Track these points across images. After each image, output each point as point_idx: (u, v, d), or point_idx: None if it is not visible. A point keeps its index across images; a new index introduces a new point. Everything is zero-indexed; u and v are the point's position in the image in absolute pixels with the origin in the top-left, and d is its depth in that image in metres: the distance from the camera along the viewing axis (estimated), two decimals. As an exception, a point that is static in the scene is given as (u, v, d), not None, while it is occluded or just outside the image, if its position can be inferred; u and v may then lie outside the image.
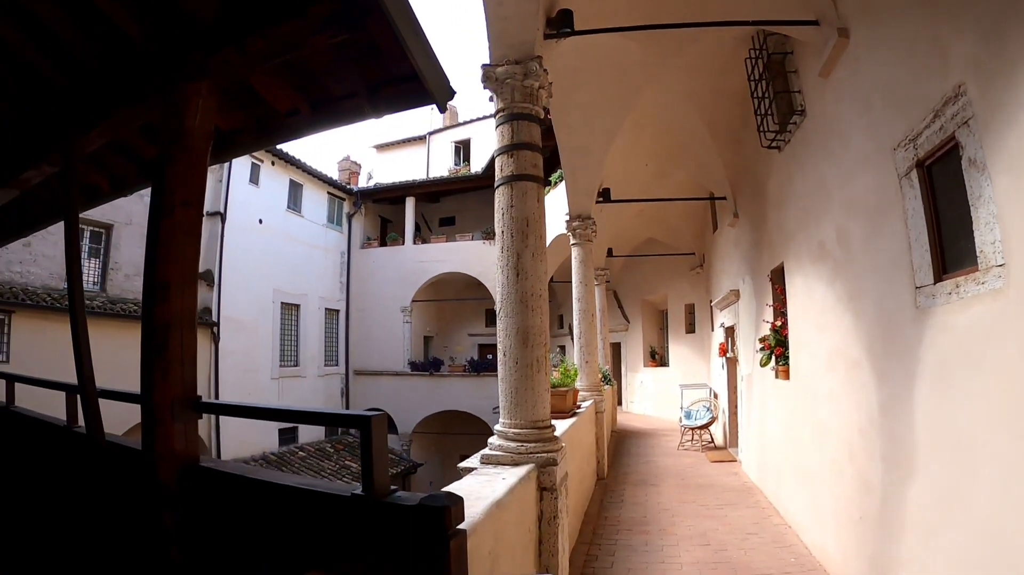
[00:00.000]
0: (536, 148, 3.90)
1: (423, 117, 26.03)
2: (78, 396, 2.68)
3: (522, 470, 3.27)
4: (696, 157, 8.29)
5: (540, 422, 3.65)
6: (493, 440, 3.68)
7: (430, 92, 1.92)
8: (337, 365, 18.98)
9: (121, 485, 2.22)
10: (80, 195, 3.71)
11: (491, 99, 4.03)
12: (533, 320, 3.69)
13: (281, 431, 15.74)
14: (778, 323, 5.95)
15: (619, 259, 15.46)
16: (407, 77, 1.95)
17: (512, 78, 3.86)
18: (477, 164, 22.84)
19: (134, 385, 1.94)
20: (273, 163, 16.49)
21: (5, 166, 3.11)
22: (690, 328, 12.37)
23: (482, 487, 2.81)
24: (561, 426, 4.93)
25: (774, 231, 6.18)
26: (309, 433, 16.83)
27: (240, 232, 15.01)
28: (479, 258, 19.35)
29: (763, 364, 6.32)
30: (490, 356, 20.71)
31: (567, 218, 8.34)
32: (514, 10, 3.81)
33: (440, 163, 23.87)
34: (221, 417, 13.55)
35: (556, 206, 14.11)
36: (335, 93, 2.23)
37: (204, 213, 11.52)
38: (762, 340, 6.38)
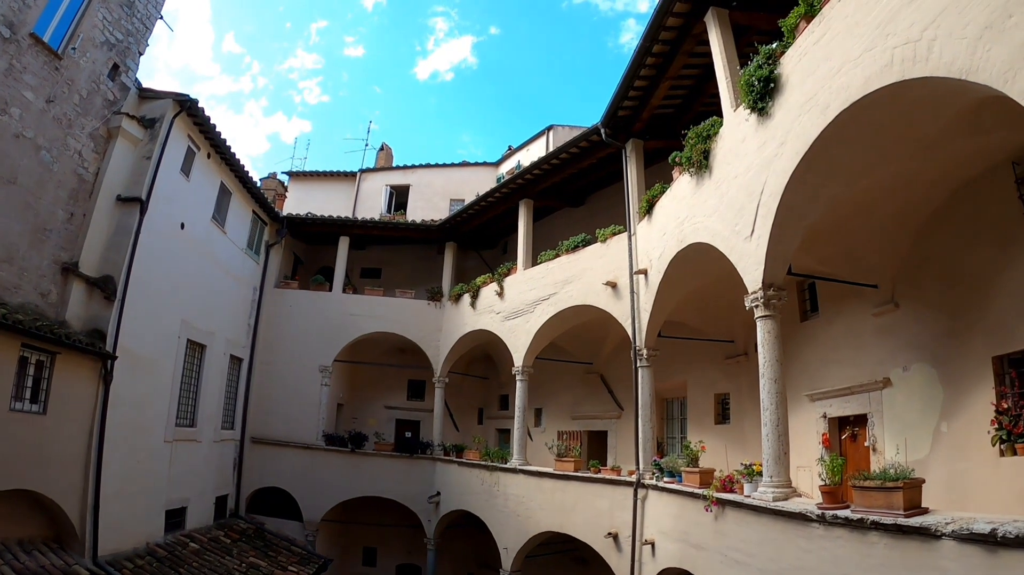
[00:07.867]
0: None
1: (355, 154, 23.44)
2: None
3: None
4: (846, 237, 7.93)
5: None
6: None
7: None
8: (233, 429, 14.50)
9: None
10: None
11: None
12: None
13: (168, 514, 11.09)
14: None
15: (611, 343, 14.37)
16: None
17: None
18: (413, 214, 20.83)
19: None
20: (209, 155, 12.82)
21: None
22: (721, 419, 11.71)
23: None
24: None
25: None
26: (198, 516, 12.25)
27: (159, 234, 11.05)
28: (421, 320, 16.86)
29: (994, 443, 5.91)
30: (408, 434, 17.84)
31: (754, 290, 6.91)
32: None
33: (369, 207, 21.24)
34: (100, 498, 9.02)
35: (592, 265, 12.16)
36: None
37: (117, 196, 9.42)
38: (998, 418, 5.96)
